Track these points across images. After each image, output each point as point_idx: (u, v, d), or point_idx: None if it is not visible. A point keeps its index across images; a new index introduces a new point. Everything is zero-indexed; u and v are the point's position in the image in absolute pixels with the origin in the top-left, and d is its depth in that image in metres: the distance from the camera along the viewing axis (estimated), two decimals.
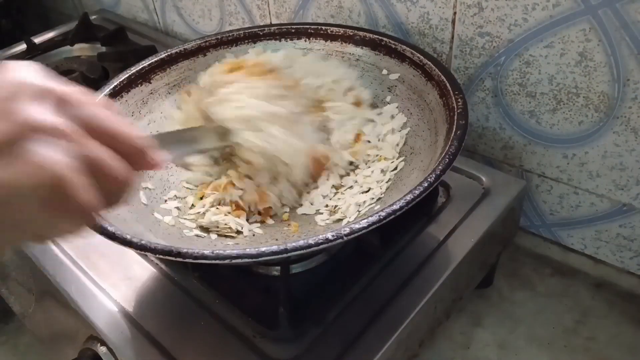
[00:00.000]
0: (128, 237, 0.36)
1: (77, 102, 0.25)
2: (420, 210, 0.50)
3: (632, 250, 0.54)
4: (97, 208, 0.24)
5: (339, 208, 0.46)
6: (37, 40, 0.91)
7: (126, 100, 0.52)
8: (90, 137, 0.24)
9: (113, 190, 0.25)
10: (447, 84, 0.45)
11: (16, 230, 0.23)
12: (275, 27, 0.58)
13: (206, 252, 0.33)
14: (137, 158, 0.26)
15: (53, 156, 0.22)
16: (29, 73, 0.24)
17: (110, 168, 0.25)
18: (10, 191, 0.22)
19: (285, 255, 0.33)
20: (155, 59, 0.55)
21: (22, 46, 0.90)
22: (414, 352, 0.46)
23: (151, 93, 0.54)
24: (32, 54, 0.88)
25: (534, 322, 0.53)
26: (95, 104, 0.26)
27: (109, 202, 0.25)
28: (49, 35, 0.94)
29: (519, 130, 0.56)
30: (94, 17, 0.99)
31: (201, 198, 0.49)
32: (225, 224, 0.45)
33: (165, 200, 0.49)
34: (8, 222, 0.23)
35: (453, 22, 0.55)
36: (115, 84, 0.52)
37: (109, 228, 0.36)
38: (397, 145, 0.50)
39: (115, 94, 0.51)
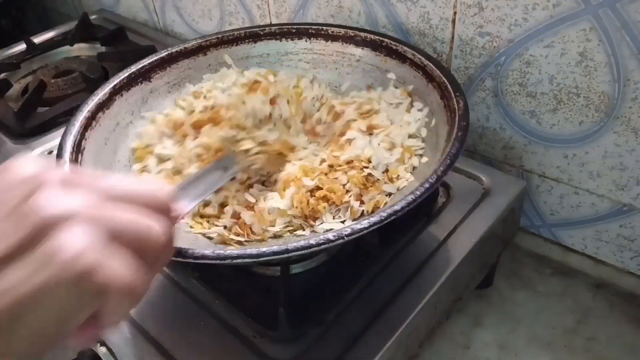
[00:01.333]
0: None
1: (86, 180, 0.23)
2: (421, 211, 0.50)
3: (632, 250, 0.54)
4: (141, 279, 0.22)
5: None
6: (37, 40, 0.91)
7: (126, 99, 0.52)
8: (110, 206, 0.23)
9: (154, 254, 0.23)
10: (448, 86, 0.45)
11: (62, 327, 0.22)
12: (276, 27, 0.58)
13: (207, 252, 0.33)
14: (164, 214, 0.24)
15: (76, 246, 0.20)
16: (29, 165, 0.22)
17: (143, 229, 0.23)
18: (44, 295, 0.20)
19: (286, 255, 0.33)
20: (156, 58, 0.55)
21: (22, 46, 0.90)
22: (414, 353, 0.45)
23: (151, 92, 0.54)
24: (32, 54, 0.88)
25: (534, 323, 0.53)
26: (101, 176, 0.24)
27: (153, 268, 0.23)
28: (49, 35, 0.95)
29: (519, 130, 0.56)
30: (93, 17, 0.99)
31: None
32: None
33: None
34: (50, 321, 0.21)
35: (453, 21, 0.55)
36: (116, 82, 0.52)
37: None
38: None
39: (115, 92, 0.51)
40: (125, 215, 0.23)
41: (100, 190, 0.23)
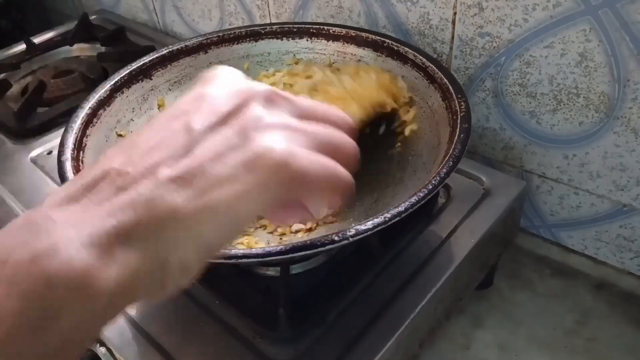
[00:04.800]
0: None
1: (286, 99, 0.26)
2: (421, 211, 0.50)
3: (632, 251, 0.54)
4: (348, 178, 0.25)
5: None
6: (37, 40, 0.91)
7: (127, 96, 0.52)
8: (312, 122, 0.26)
9: (347, 164, 0.26)
10: (450, 87, 0.45)
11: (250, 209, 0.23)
12: (277, 26, 0.58)
13: None
14: (351, 134, 0.27)
15: (282, 141, 0.23)
16: (239, 79, 0.26)
17: (341, 141, 0.26)
18: (254, 193, 0.22)
19: (291, 255, 0.33)
20: (156, 55, 0.55)
21: (22, 46, 0.90)
22: (414, 353, 0.45)
23: (152, 89, 0.54)
24: (32, 54, 0.88)
25: (535, 323, 0.53)
26: (296, 97, 0.27)
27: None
28: (49, 35, 0.94)
29: (520, 131, 0.56)
30: (93, 17, 0.99)
31: None
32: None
33: None
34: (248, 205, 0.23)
35: (453, 22, 0.55)
36: (116, 79, 0.52)
37: None
38: None
39: (116, 90, 0.51)
40: (325, 129, 0.26)
41: (300, 109, 0.26)
